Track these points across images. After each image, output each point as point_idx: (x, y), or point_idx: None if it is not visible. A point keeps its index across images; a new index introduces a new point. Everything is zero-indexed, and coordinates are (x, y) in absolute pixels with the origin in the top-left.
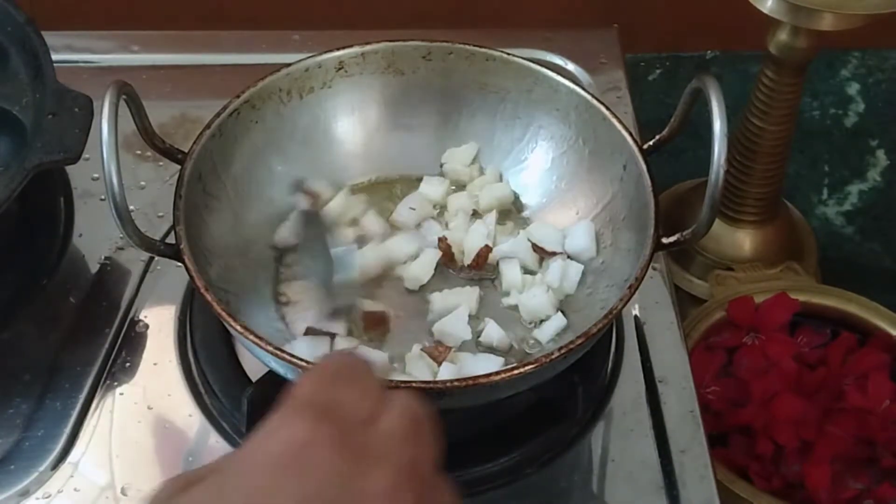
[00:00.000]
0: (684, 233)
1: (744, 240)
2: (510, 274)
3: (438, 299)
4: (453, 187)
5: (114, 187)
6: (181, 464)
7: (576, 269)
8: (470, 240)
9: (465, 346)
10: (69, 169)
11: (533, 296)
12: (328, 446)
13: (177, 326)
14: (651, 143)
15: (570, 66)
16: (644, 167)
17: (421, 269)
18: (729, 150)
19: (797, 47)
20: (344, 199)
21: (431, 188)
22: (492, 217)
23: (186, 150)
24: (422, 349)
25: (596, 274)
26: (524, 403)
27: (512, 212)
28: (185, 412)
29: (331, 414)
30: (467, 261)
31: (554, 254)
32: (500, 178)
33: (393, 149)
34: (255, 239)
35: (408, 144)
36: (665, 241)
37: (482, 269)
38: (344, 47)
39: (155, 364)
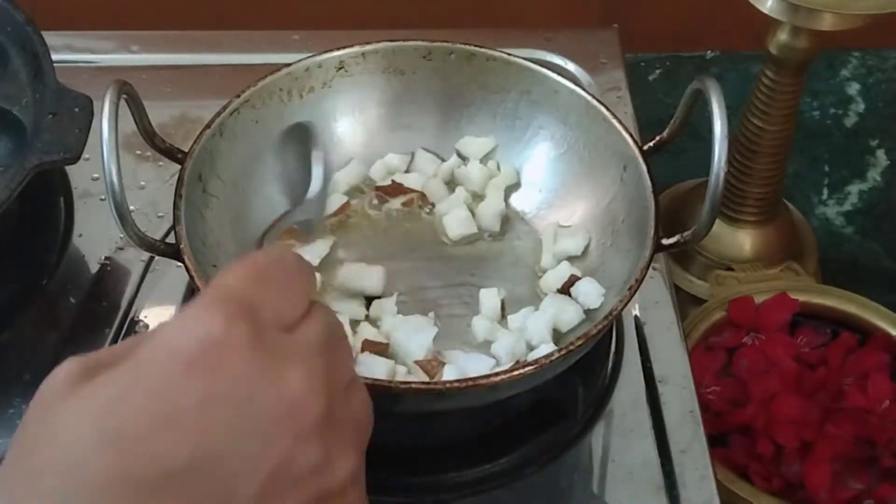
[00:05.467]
0: (684, 234)
1: (744, 240)
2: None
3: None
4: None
5: (114, 187)
6: None
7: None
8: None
9: (457, 344)
10: (69, 169)
11: (534, 322)
12: (240, 347)
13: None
14: (651, 144)
15: (571, 66)
16: (644, 168)
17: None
18: (729, 150)
19: (797, 47)
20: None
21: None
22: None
23: (186, 150)
24: (416, 362)
25: (595, 275)
26: (524, 404)
27: (511, 214)
28: None
29: (248, 313)
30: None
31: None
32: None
33: (393, 149)
34: (256, 238)
35: (408, 144)
36: (665, 242)
37: None
38: (344, 47)
39: None
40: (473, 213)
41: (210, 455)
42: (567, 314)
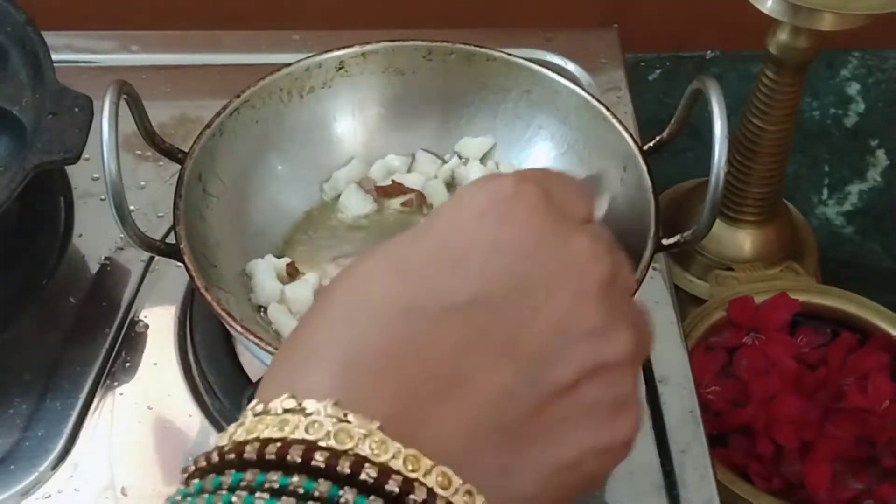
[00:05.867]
0: (684, 234)
1: (744, 240)
2: None
3: None
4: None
5: (114, 187)
6: (181, 464)
7: None
8: None
9: None
10: (69, 169)
11: None
12: (531, 204)
13: (177, 326)
14: (651, 144)
15: (571, 66)
16: (644, 168)
17: None
18: (729, 150)
19: (797, 47)
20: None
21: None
22: None
23: (186, 150)
24: None
25: None
26: None
27: None
28: (186, 412)
29: (539, 184)
30: None
31: None
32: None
33: (393, 149)
34: (256, 238)
35: (408, 145)
36: (665, 242)
37: None
38: (344, 47)
39: (155, 364)
40: None
41: (491, 297)
42: None
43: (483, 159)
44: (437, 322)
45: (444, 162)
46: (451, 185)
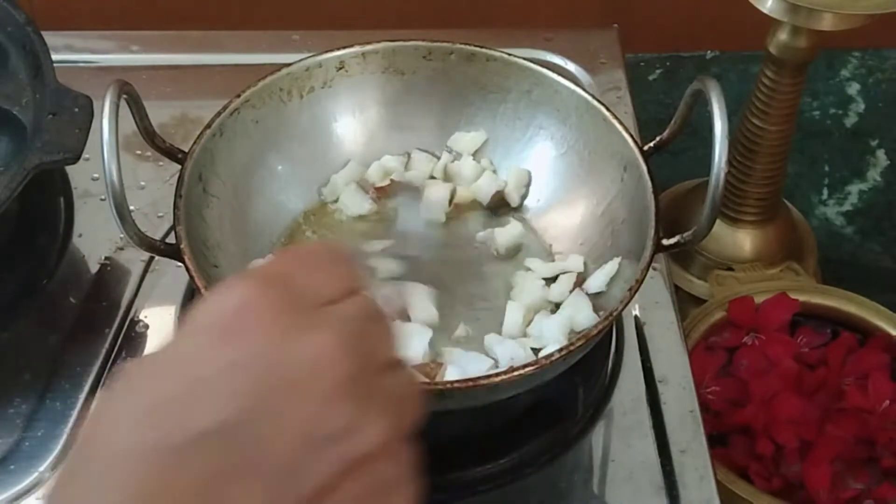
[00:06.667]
0: (685, 234)
1: (744, 240)
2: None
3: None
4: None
5: (114, 187)
6: None
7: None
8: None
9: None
10: (69, 169)
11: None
12: (266, 311)
13: (177, 326)
14: (652, 144)
15: (571, 66)
16: (644, 169)
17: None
18: (729, 150)
19: (797, 47)
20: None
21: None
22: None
23: (186, 150)
24: (413, 367)
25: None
26: (524, 404)
27: (511, 214)
28: None
29: (282, 282)
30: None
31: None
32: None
33: (393, 149)
34: (256, 238)
35: (408, 145)
36: (665, 242)
37: None
38: (344, 47)
39: None
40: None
41: (237, 419)
42: (582, 314)
43: (475, 154)
44: (184, 455)
45: (439, 159)
46: (447, 181)
